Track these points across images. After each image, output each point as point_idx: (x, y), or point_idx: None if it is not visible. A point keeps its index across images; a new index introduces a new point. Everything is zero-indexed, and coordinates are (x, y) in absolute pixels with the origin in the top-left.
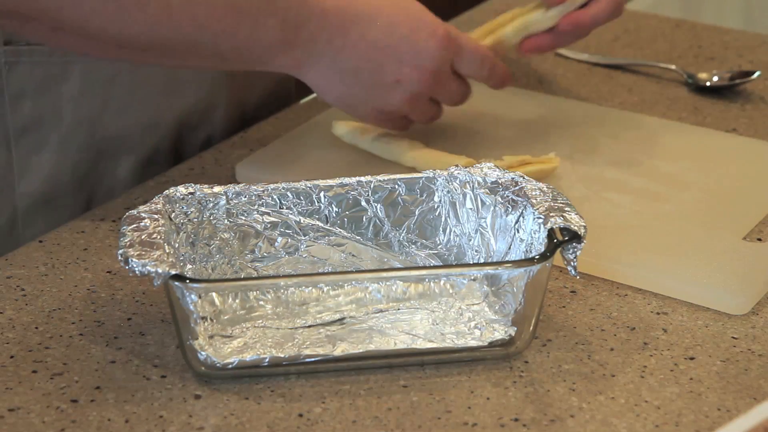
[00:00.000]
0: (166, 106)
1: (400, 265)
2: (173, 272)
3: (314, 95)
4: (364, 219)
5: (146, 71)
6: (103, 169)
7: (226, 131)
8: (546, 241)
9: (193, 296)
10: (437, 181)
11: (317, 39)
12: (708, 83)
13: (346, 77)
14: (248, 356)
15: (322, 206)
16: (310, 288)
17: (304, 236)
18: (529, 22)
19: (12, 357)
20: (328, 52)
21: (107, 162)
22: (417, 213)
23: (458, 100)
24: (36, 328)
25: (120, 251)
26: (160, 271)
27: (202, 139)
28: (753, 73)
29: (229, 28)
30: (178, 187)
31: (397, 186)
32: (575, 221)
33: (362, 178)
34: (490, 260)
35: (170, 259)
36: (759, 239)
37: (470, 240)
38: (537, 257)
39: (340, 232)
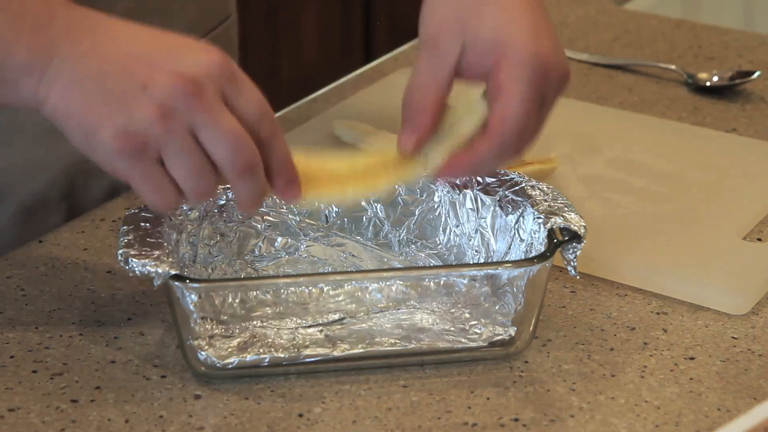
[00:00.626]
0: (50, 151)
1: (400, 265)
2: (173, 272)
3: (311, 96)
4: (364, 219)
5: (26, 111)
6: None
7: None
8: (546, 241)
9: (192, 296)
10: (437, 181)
11: (59, 43)
12: (708, 83)
13: (88, 84)
14: (248, 356)
15: (322, 206)
16: (310, 288)
17: (304, 236)
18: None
19: (12, 357)
20: (70, 57)
21: None
22: (417, 213)
23: (232, 146)
24: (36, 328)
25: (120, 251)
26: (160, 271)
27: (106, 188)
28: (753, 73)
29: None
30: None
31: (397, 186)
32: (575, 221)
33: None
34: (490, 260)
35: (170, 259)
36: (759, 239)
37: (470, 240)
38: (537, 257)
39: (340, 232)
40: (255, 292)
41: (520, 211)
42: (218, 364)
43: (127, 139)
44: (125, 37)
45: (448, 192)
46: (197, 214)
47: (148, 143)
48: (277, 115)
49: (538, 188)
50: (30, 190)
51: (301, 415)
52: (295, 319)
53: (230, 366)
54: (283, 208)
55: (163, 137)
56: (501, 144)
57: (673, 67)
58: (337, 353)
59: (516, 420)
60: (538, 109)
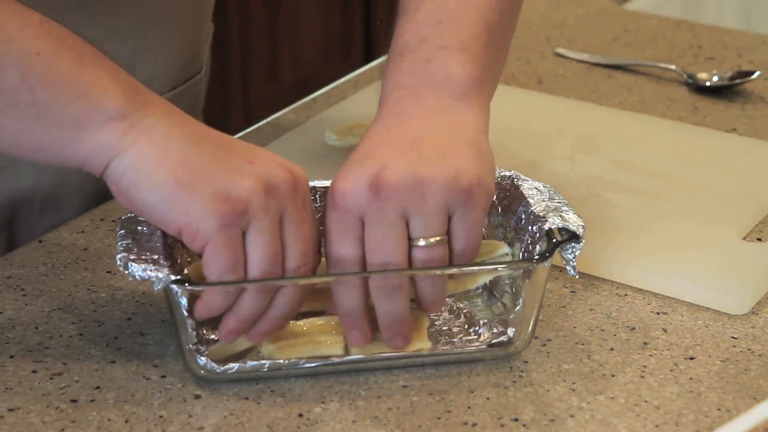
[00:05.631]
0: None
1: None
2: (173, 276)
3: (311, 96)
4: None
5: None
6: None
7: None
8: (545, 241)
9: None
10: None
11: (156, 104)
12: (708, 83)
13: (188, 145)
14: (248, 362)
15: (319, 207)
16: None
17: None
18: None
19: (12, 357)
20: (167, 119)
21: None
22: None
23: (307, 249)
24: (36, 328)
25: (119, 256)
26: (160, 275)
27: (52, 224)
28: (753, 73)
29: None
30: None
31: None
32: (573, 221)
33: None
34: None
35: (170, 263)
36: (759, 239)
37: None
38: (536, 257)
39: None
40: None
41: (517, 210)
42: (218, 370)
43: (229, 200)
44: (216, 131)
45: None
46: None
47: (245, 211)
48: (277, 115)
49: (535, 188)
50: None
51: (301, 415)
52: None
53: (230, 371)
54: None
55: (260, 211)
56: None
57: (673, 67)
58: (336, 358)
59: (516, 420)
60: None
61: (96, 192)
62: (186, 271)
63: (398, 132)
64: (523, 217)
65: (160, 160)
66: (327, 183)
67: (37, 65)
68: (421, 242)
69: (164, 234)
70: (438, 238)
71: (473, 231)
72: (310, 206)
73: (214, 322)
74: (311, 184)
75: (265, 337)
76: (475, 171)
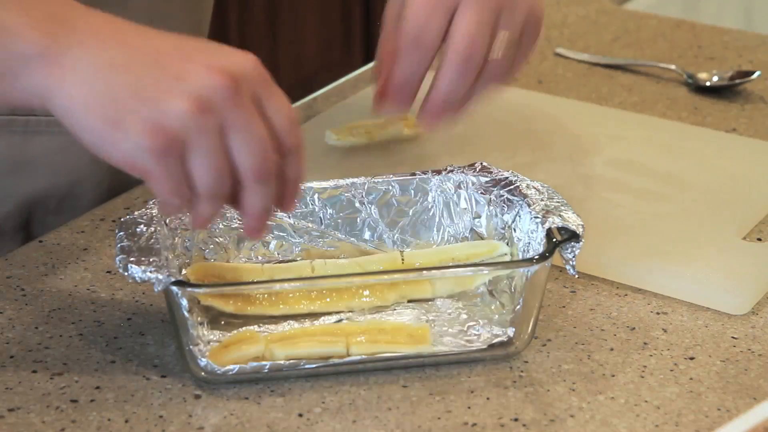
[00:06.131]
0: (9, 186)
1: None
2: (174, 278)
3: (311, 96)
4: (358, 220)
5: None
6: None
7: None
8: (544, 240)
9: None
10: (431, 181)
11: (79, 31)
12: (708, 83)
13: (113, 74)
14: (248, 363)
15: (317, 208)
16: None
17: (299, 238)
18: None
19: (12, 357)
20: (94, 45)
21: None
22: (411, 213)
23: (258, 151)
24: (36, 328)
25: (118, 258)
26: (160, 277)
27: (63, 223)
28: (753, 73)
29: None
30: None
31: (391, 187)
32: (573, 220)
33: (356, 180)
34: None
35: (170, 265)
36: (759, 239)
37: (465, 240)
38: (536, 257)
39: (334, 233)
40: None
41: (516, 210)
42: (218, 371)
43: (159, 134)
44: (153, 34)
45: (441, 192)
46: None
47: (179, 137)
48: None
49: (533, 187)
50: None
51: (301, 415)
52: (292, 322)
53: (230, 373)
54: (277, 211)
55: (195, 133)
56: (459, 61)
57: (673, 67)
58: (337, 358)
59: (516, 420)
60: (493, 28)
61: (110, 188)
62: (185, 271)
63: None
64: (522, 216)
65: (88, 102)
66: (326, 183)
67: None
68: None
69: (164, 234)
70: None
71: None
72: (267, 92)
73: (213, 322)
74: (309, 184)
75: (290, 204)
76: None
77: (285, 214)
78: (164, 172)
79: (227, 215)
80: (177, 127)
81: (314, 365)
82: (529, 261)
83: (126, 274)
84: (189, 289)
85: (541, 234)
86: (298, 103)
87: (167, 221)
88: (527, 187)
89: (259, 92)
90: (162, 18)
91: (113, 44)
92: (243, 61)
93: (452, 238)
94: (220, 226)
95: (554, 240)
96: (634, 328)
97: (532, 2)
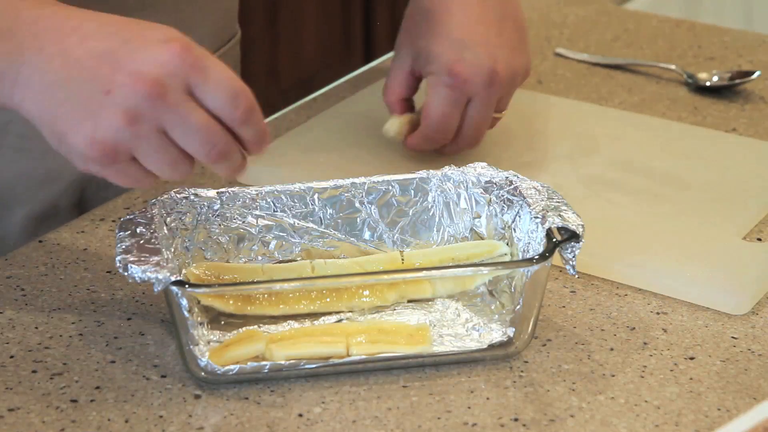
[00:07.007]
0: (64, 162)
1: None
2: (174, 278)
3: (311, 96)
4: (358, 220)
5: None
6: None
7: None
8: (544, 240)
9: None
10: (431, 181)
11: (27, 48)
12: (708, 83)
13: (56, 91)
14: (248, 363)
15: (317, 208)
16: (307, 291)
17: (299, 238)
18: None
19: (12, 357)
20: (38, 63)
21: None
22: (411, 213)
23: (204, 140)
24: (36, 328)
25: (118, 258)
26: (160, 277)
27: (116, 196)
28: (753, 73)
29: None
30: (173, 191)
31: (391, 187)
32: (573, 220)
33: (356, 180)
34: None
35: (170, 265)
36: (759, 239)
37: (465, 240)
38: (536, 257)
39: (334, 233)
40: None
41: (516, 210)
42: (218, 371)
43: (97, 146)
44: (91, 32)
45: (441, 192)
46: (192, 219)
47: (118, 148)
48: (277, 115)
49: (533, 187)
50: (42, 199)
51: (301, 415)
52: (292, 322)
53: (230, 373)
54: (277, 211)
55: (133, 141)
56: (426, 134)
57: (673, 67)
58: (337, 358)
59: (516, 420)
60: (458, 108)
61: None
62: (185, 272)
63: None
64: (522, 216)
65: (42, 118)
66: (326, 184)
67: None
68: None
69: (164, 234)
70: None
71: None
72: (199, 78)
73: (213, 322)
74: (308, 184)
75: (260, 146)
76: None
77: (285, 214)
78: (116, 174)
79: (226, 216)
80: (114, 139)
81: (314, 365)
82: (529, 261)
83: (126, 274)
84: (189, 289)
85: (541, 234)
86: (298, 103)
87: (167, 221)
88: (527, 187)
89: (191, 81)
90: None
91: (55, 57)
92: (167, 58)
93: (452, 238)
94: (220, 226)
95: (554, 240)
96: (634, 328)
97: (524, 72)
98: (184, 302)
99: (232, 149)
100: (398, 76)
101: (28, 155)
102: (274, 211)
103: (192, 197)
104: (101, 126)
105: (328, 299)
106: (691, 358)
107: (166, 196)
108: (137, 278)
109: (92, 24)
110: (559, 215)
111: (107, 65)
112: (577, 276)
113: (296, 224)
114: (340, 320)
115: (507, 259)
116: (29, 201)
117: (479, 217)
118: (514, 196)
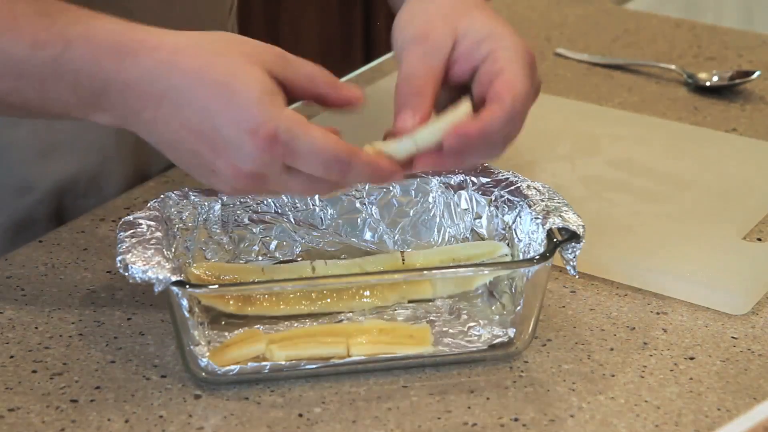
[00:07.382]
0: (39, 172)
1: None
2: (174, 278)
3: None
4: (359, 221)
5: (16, 132)
6: None
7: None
8: (545, 241)
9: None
10: (432, 181)
11: (123, 110)
12: (708, 83)
13: (168, 150)
14: (249, 363)
15: (317, 208)
16: (307, 291)
17: (300, 239)
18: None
19: (12, 357)
20: (140, 124)
21: None
22: (411, 214)
23: (308, 193)
24: (36, 328)
25: (119, 258)
26: (161, 277)
27: (94, 206)
28: (753, 73)
29: (14, 88)
30: (173, 192)
31: (391, 187)
32: (573, 221)
33: None
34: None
35: (170, 265)
36: (759, 239)
37: (465, 241)
38: (537, 258)
39: (335, 234)
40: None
41: (517, 211)
42: (219, 371)
43: (227, 190)
44: (182, 100)
45: (442, 193)
46: (193, 219)
47: (255, 178)
48: None
49: (534, 187)
50: (18, 209)
51: (301, 415)
52: (292, 322)
53: (231, 373)
54: (278, 211)
55: (248, 192)
56: (510, 111)
57: (673, 67)
58: (337, 359)
59: (516, 420)
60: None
61: (136, 167)
62: (186, 272)
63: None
64: (522, 217)
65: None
66: None
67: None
68: None
69: (164, 234)
70: None
71: None
72: (292, 158)
73: (214, 323)
74: None
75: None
76: None
77: (286, 214)
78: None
79: (227, 216)
80: (235, 191)
81: (314, 366)
82: (530, 261)
83: (126, 274)
84: (189, 289)
85: (541, 234)
86: (298, 103)
87: (168, 221)
88: (528, 187)
89: (286, 159)
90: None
91: (155, 123)
92: (258, 154)
93: (453, 239)
94: (221, 226)
95: (555, 240)
96: (634, 328)
97: (538, 85)
98: (185, 302)
99: (339, 188)
100: (435, 61)
101: (4, 166)
102: (274, 211)
103: (193, 197)
104: (218, 188)
105: (328, 300)
106: (691, 358)
107: (166, 196)
108: (138, 278)
109: (176, 96)
110: (560, 216)
111: (206, 146)
112: (577, 276)
113: (297, 225)
114: (340, 321)
115: (508, 259)
116: (6, 212)
117: (480, 217)
118: (515, 196)
